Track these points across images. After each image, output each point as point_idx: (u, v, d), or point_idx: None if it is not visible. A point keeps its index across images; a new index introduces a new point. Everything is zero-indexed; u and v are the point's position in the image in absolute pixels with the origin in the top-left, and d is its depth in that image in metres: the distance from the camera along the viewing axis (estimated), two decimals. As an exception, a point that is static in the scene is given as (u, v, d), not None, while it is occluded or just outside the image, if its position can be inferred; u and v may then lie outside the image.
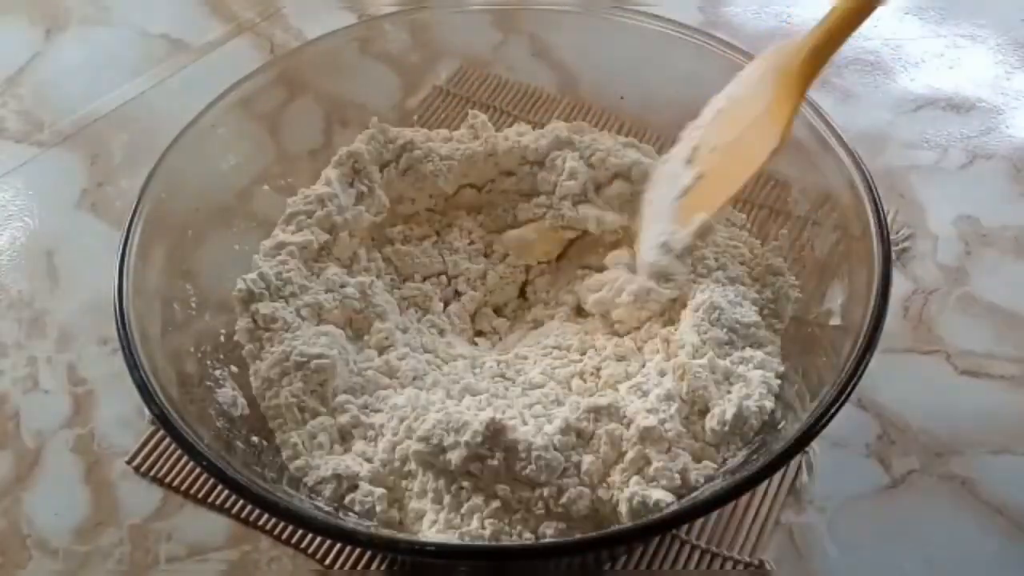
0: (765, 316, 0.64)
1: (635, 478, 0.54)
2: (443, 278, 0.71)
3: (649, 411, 0.57)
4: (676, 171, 0.68)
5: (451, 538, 0.54)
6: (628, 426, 0.56)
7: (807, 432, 0.52)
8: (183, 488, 0.63)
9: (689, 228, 0.64)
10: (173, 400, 0.54)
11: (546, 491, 0.54)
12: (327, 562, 0.60)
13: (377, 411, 0.61)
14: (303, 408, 0.60)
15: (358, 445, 0.60)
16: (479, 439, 0.54)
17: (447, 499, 0.55)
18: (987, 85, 0.87)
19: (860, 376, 0.53)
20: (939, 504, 0.62)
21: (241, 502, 0.61)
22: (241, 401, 0.60)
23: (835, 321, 0.60)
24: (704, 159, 0.66)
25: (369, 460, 0.58)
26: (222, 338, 0.63)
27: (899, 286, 0.71)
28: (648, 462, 0.55)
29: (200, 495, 0.63)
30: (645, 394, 0.59)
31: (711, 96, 0.71)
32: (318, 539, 0.61)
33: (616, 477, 0.55)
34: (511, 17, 0.79)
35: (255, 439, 0.59)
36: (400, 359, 0.64)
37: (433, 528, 0.55)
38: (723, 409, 0.57)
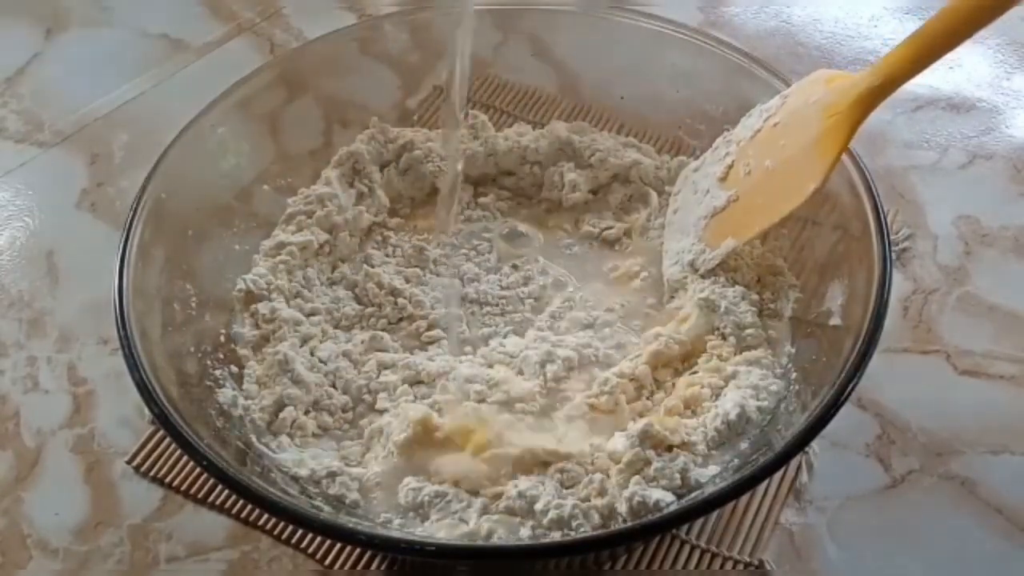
0: (765, 316, 0.64)
1: (635, 478, 0.54)
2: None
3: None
4: (707, 186, 0.67)
5: (451, 538, 0.54)
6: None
7: (807, 432, 0.52)
8: (183, 488, 0.63)
9: (718, 252, 0.64)
10: (173, 400, 0.54)
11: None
12: (327, 562, 0.60)
13: (378, 412, 0.61)
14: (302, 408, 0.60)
15: (359, 446, 0.60)
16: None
17: (447, 499, 0.55)
18: (987, 85, 0.87)
19: (860, 376, 0.53)
20: (939, 504, 0.62)
21: (241, 502, 0.61)
22: (241, 401, 0.60)
23: (835, 321, 0.60)
24: (739, 181, 0.65)
25: (371, 460, 0.58)
26: (222, 338, 0.64)
27: (899, 286, 0.71)
28: (648, 462, 0.55)
29: (200, 495, 0.63)
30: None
31: (711, 96, 0.72)
32: (318, 539, 0.61)
33: (616, 477, 0.55)
34: (511, 17, 0.79)
35: (254, 439, 0.59)
36: (402, 358, 0.64)
37: (433, 527, 0.55)
38: (723, 409, 0.57)
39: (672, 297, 0.67)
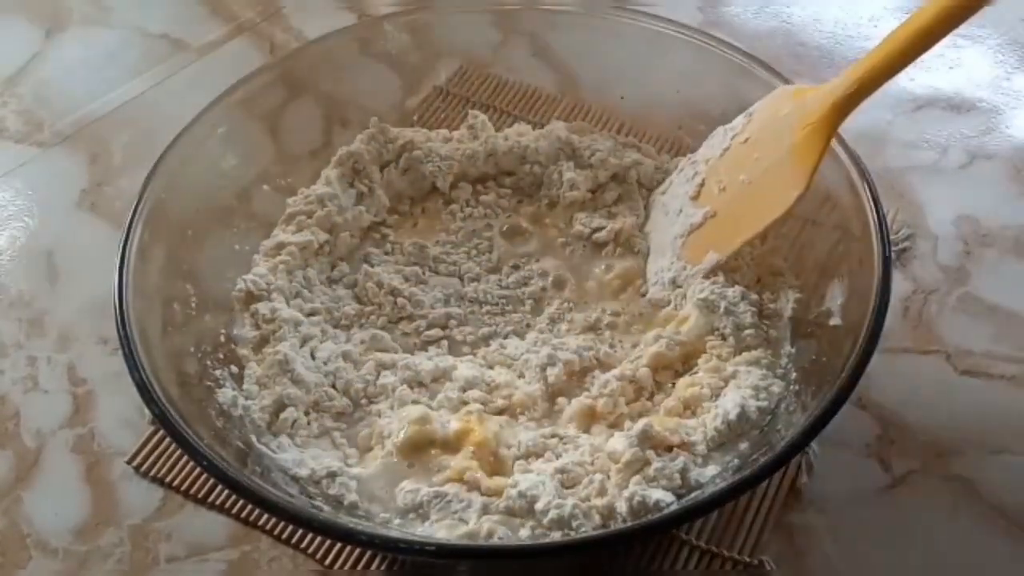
0: (765, 316, 0.64)
1: (635, 478, 0.54)
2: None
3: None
4: (679, 206, 0.68)
5: (451, 538, 0.54)
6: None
7: (807, 432, 0.52)
8: (183, 488, 0.63)
9: (700, 267, 0.65)
10: (173, 400, 0.54)
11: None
12: (327, 562, 0.60)
13: (380, 413, 0.61)
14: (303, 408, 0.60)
15: (358, 446, 0.60)
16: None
17: (447, 499, 0.55)
18: (987, 85, 0.87)
19: (860, 376, 0.53)
20: (939, 504, 0.62)
21: (241, 502, 0.61)
22: (241, 401, 0.60)
23: (835, 321, 0.60)
24: (713, 198, 0.66)
25: (371, 460, 0.58)
26: (222, 338, 0.64)
27: (899, 286, 0.71)
28: (648, 462, 0.55)
29: (200, 495, 0.63)
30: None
31: (711, 96, 0.72)
32: (318, 539, 0.61)
33: (616, 477, 0.55)
34: (511, 17, 0.79)
35: (254, 439, 0.59)
36: (401, 359, 0.64)
37: (433, 527, 0.55)
38: (723, 409, 0.57)
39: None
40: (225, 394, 0.60)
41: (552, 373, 0.61)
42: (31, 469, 0.65)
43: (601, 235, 0.70)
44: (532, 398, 0.61)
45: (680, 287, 0.65)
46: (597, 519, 0.54)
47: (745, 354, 0.61)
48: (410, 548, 0.51)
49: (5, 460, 0.66)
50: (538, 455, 0.58)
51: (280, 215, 0.70)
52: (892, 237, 0.63)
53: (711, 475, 0.55)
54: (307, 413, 0.61)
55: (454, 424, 0.59)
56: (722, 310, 0.63)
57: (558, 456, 0.57)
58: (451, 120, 0.80)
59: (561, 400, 0.61)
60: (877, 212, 0.59)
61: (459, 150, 0.74)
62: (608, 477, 0.55)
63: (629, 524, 0.53)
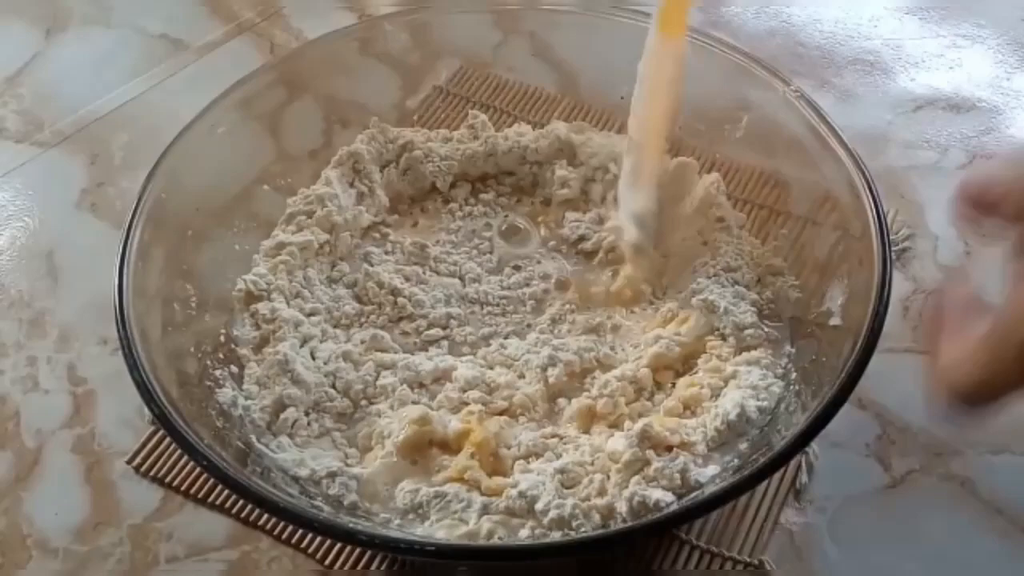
0: (765, 316, 0.64)
1: (635, 478, 0.54)
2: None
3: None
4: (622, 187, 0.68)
5: (451, 538, 0.54)
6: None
7: (807, 432, 0.52)
8: (183, 488, 0.63)
9: (648, 181, 0.65)
10: (173, 400, 0.54)
11: (546, 491, 0.54)
12: (327, 562, 0.60)
13: (380, 413, 0.61)
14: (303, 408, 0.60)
15: (359, 446, 0.60)
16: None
17: (447, 499, 0.55)
18: (987, 85, 0.87)
19: (860, 376, 0.53)
20: (939, 504, 0.62)
21: (241, 502, 0.61)
22: (241, 401, 0.60)
23: (835, 321, 0.60)
24: (634, 139, 0.66)
25: (371, 460, 0.58)
26: (222, 338, 0.64)
27: (899, 286, 0.71)
28: (648, 462, 0.55)
29: (200, 495, 0.63)
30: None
31: (711, 96, 0.72)
32: (318, 539, 0.61)
33: (616, 477, 0.55)
34: (511, 17, 0.79)
35: (254, 439, 0.59)
36: (402, 359, 0.64)
37: (433, 527, 0.55)
38: (723, 409, 0.57)
39: (665, 293, 0.67)
40: (225, 394, 0.60)
41: (553, 374, 0.61)
42: (31, 469, 0.65)
43: (587, 246, 0.70)
44: (532, 398, 0.61)
45: (646, 214, 0.66)
46: (597, 519, 0.54)
47: (745, 354, 0.61)
48: (410, 548, 0.51)
49: (5, 460, 0.66)
50: (538, 455, 0.58)
51: (280, 215, 0.70)
52: (892, 237, 0.63)
53: (711, 475, 0.55)
54: (307, 413, 0.61)
55: (454, 424, 0.59)
56: (722, 310, 0.63)
57: (558, 456, 0.57)
58: (451, 120, 0.80)
59: (561, 400, 0.61)
60: (877, 212, 0.59)
61: (459, 150, 0.74)
62: (608, 477, 0.55)
63: (629, 524, 0.53)
